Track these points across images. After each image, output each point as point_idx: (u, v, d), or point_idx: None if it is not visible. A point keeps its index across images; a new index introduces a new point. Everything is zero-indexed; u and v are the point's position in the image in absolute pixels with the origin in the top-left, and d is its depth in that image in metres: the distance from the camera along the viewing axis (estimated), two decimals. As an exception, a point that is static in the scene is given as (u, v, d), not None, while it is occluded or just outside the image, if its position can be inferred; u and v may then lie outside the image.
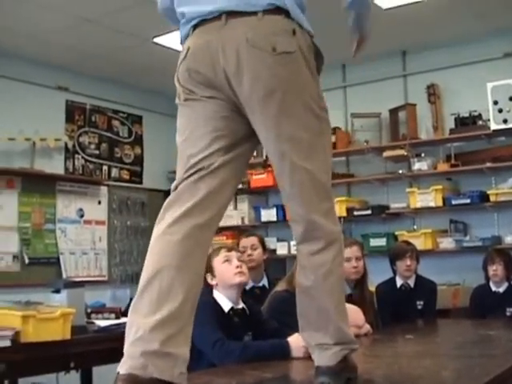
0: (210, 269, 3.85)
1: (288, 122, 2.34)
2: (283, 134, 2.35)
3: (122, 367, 2.15)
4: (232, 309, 3.72)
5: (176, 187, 2.42)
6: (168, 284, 2.21)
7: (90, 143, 8.48)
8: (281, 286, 4.66)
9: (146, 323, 2.14)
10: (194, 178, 2.39)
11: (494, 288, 5.96)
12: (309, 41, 2.43)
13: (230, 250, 3.91)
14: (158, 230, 2.40)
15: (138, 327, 2.16)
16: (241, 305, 3.79)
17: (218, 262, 3.80)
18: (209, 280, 3.84)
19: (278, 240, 8.15)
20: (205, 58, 2.38)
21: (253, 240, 5.45)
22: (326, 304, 2.47)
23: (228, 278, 3.73)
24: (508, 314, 5.78)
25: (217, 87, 2.39)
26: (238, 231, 8.36)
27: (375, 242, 7.35)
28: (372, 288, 5.50)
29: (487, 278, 6.01)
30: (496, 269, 5.88)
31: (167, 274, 2.22)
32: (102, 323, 4.93)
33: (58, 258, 7.85)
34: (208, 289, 3.86)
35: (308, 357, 2.75)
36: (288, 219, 2.58)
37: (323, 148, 2.46)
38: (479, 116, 7.03)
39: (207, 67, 2.38)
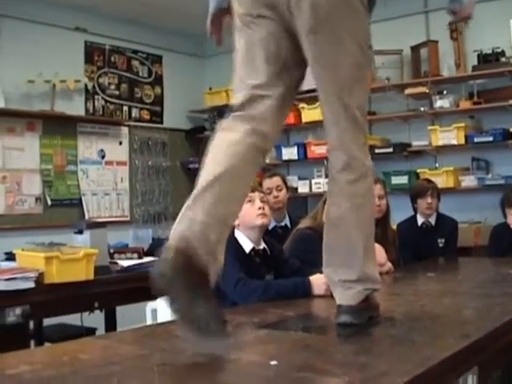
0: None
1: (338, 51, 2.41)
2: (332, 61, 2.42)
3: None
4: (253, 249, 3.71)
5: (241, 104, 2.50)
6: (227, 191, 2.30)
7: (109, 84, 8.46)
8: (304, 224, 4.66)
9: (195, 219, 2.24)
10: (256, 102, 2.48)
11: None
12: None
13: (253, 190, 3.81)
14: (225, 136, 2.44)
15: (187, 218, 2.26)
16: (262, 245, 3.79)
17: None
18: (230, 219, 3.85)
19: (300, 178, 8.14)
20: None
21: (277, 181, 5.45)
22: (354, 237, 2.49)
23: (250, 220, 3.71)
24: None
25: (277, 10, 2.44)
26: (261, 171, 8.35)
27: (397, 180, 7.32)
28: (393, 226, 5.50)
29: (505, 217, 5.95)
30: None
31: (229, 181, 2.31)
32: (125, 263, 4.98)
33: (81, 199, 7.90)
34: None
35: (330, 295, 2.76)
36: (327, 149, 2.66)
37: (364, 82, 2.56)
38: (502, 53, 6.93)
39: None
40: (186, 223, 2.25)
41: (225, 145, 2.38)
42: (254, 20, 2.50)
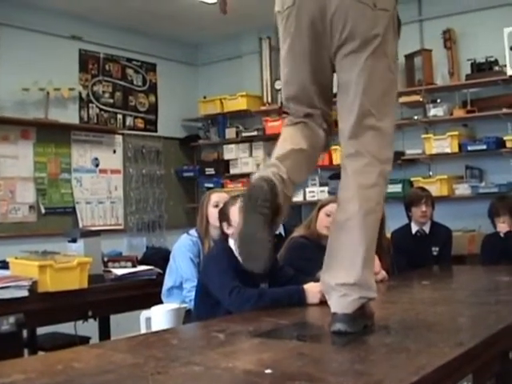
0: (226, 217, 3.85)
1: (371, 71, 2.58)
2: (364, 80, 2.58)
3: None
4: (247, 258, 3.72)
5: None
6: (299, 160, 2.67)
7: (104, 92, 8.45)
8: (298, 232, 4.68)
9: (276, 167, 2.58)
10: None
11: (503, 235, 5.92)
12: (395, 6, 2.69)
13: None
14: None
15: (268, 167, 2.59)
16: (256, 254, 3.78)
17: (234, 212, 3.77)
18: (225, 229, 3.85)
19: (293, 186, 8.13)
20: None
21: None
22: (357, 242, 2.51)
23: None
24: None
25: (318, 28, 2.60)
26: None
27: (391, 188, 7.30)
28: (388, 234, 5.50)
29: (495, 226, 5.97)
30: (503, 220, 5.83)
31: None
32: (119, 272, 4.98)
33: (74, 208, 7.89)
34: (224, 237, 3.87)
35: (324, 303, 2.77)
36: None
37: (393, 101, 2.76)
38: (495, 61, 6.95)
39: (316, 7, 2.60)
40: (268, 169, 2.55)
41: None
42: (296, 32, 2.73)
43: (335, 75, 2.73)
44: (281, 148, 2.68)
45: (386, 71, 2.62)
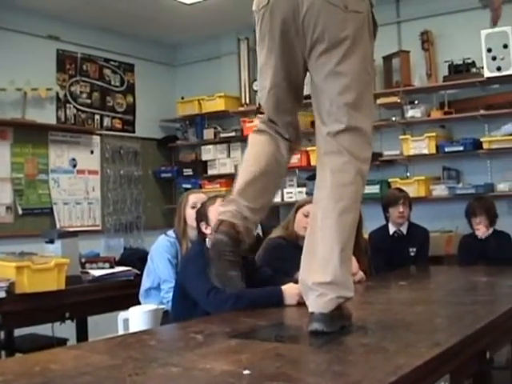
0: (204, 217, 3.85)
1: (346, 73, 2.59)
2: (340, 82, 2.59)
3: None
4: (225, 259, 3.72)
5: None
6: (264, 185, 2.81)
7: (81, 92, 8.41)
8: (275, 233, 4.69)
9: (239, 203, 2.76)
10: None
11: (480, 236, 5.96)
12: (370, 8, 2.72)
13: None
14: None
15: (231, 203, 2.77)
16: (234, 255, 3.79)
17: (213, 212, 3.78)
18: (203, 228, 3.84)
19: (271, 187, 8.11)
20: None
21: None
22: (334, 240, 2.52)
23: None
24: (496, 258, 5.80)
25: (290, 28, 2.63)
26: (232, 179, 8.37)
27: (368, 189, 7.31)
28: (365, 235, 5.52)
29: (472, 227, 6.01)
30: (479, 221, 5.87)
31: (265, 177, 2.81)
32: (97, 273, 4.96)
33: (52, 209, 7.84)
34: (201, 237, 3.87)
35: (302, 304, 2.77)
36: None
37: (370, 101, 2.76)
38: (473, 63, 6.99)
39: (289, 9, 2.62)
40: (228, 208, 2.74)
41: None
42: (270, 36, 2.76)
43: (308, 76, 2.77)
44: (245, 173, 2.82)
45: (361, 73, 2.62)
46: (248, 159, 2.86)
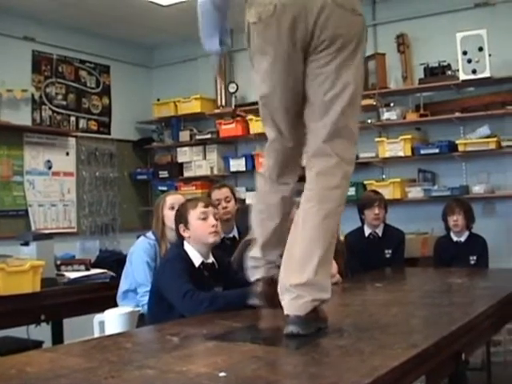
0: (184, 220, 3.83)
1: (347, 72, 2.64)
2: (340, 80, 2.63)
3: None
4: (202, 263, 3.73)
5: None
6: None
7: (57, 94, 8.36)
8: (251, 235, 4.67)
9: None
10: None
11: (455, 238, 6.02)
12: None
13: (207, 205, 3.86)
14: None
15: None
16: (211, 259, 3.80)
17: (193, 217, 3.78)
18: (181, 231, 3.83)
19: (247, 190, 8.11)
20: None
21: (226, 192, 5.43)
22: (315, 242, 2.54)
23: (202, 236, 3.75)
24: (472, 262, 5.85)
25: (299, 31, 2.62)
26: (208, 181, 8.40)
27: (344, 192, 7.35)
28: (341, 237, 5.53)
29: (447, 229, 6.06)
30: (456, 219, 5.92)
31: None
32: (72, 275, 4.94)
33: (27, 210, 7.79)
34: (180, 240, 3.86)
35: (278, 306, 2.77)
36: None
37: (360, 102, 2.83)
38: (448, 66, 7.03)
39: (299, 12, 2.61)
40: (259, 270, 3.05)
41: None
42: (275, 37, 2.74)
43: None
44: (261, 228, 3.06)
45: (356, 75, 2.67)
46: (262, 208, 3.03)
